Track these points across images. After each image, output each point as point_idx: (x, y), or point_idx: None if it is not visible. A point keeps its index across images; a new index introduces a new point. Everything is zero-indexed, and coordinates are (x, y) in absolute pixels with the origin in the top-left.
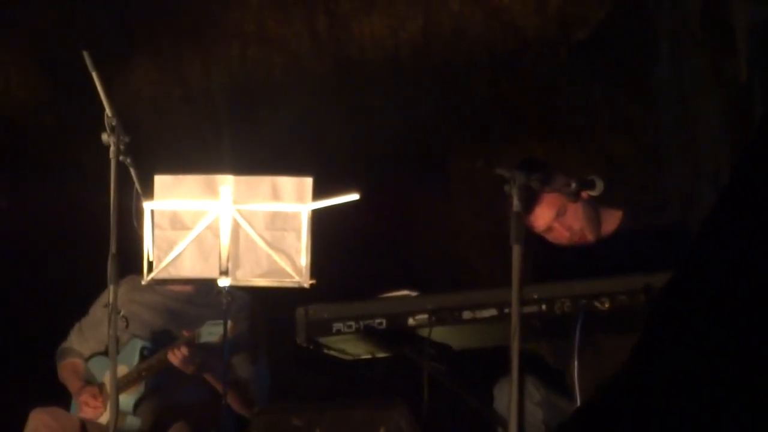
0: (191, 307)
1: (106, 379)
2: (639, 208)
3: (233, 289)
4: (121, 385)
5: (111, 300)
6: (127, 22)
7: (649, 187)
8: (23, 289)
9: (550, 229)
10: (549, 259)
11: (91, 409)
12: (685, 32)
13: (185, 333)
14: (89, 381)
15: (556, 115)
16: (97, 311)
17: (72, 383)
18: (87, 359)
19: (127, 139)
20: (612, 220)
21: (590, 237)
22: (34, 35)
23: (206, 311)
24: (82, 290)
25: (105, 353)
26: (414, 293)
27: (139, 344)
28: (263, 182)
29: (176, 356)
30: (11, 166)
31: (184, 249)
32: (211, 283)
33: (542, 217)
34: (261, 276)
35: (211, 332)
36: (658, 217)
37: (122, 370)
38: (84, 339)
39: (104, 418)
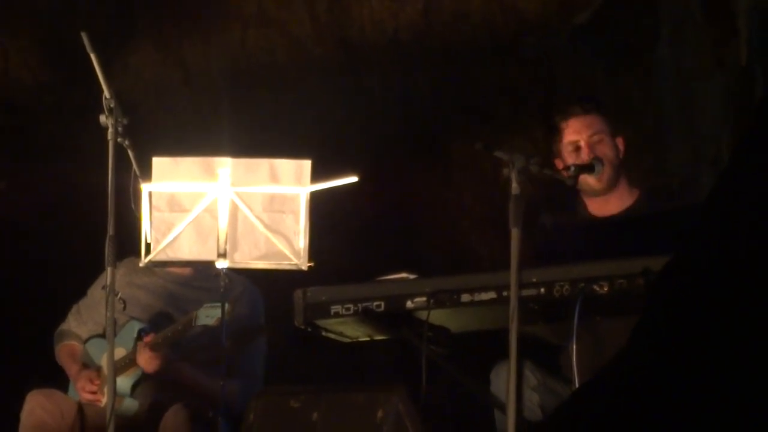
0: (189, 290)
1: (104, 361)
2: (654, 190)
3: (232, 273)
4: (119, 367)
5: (108, 282)
6: (127, 3)
7: (653, 171)
8: (21, 271)
9: (576, 146)
10: (551, 243)
11: (88, 394)
12: (686, 15)
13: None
14: (87, 363)
15: (557, 98)
16: (95, 293)
17: (69, 366)
18: (85, 341)
19: (125, 121)
20: (628, 197)
21: (606, 173)
22: (34, 16)
23: (204, 294)
24: (81, 272)
25: (103, 335)
26: (412, 276)
27: (136, 326)
28: (261, 164)
29: (141, 357)
30: (10, 148)
31: (182, 231)
32: (210, 265)
33: (576, 132)
34: (259, 258)
35: (209, 315)
36: (672, 201)
37: (120, 352)
38: (82, 321)
39: (102, 401)
